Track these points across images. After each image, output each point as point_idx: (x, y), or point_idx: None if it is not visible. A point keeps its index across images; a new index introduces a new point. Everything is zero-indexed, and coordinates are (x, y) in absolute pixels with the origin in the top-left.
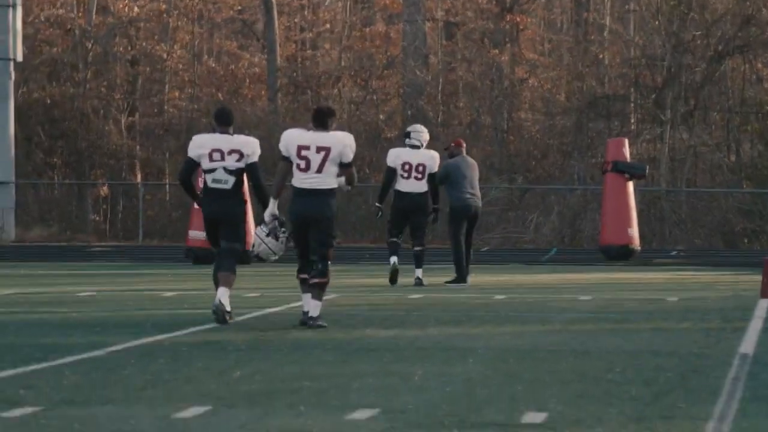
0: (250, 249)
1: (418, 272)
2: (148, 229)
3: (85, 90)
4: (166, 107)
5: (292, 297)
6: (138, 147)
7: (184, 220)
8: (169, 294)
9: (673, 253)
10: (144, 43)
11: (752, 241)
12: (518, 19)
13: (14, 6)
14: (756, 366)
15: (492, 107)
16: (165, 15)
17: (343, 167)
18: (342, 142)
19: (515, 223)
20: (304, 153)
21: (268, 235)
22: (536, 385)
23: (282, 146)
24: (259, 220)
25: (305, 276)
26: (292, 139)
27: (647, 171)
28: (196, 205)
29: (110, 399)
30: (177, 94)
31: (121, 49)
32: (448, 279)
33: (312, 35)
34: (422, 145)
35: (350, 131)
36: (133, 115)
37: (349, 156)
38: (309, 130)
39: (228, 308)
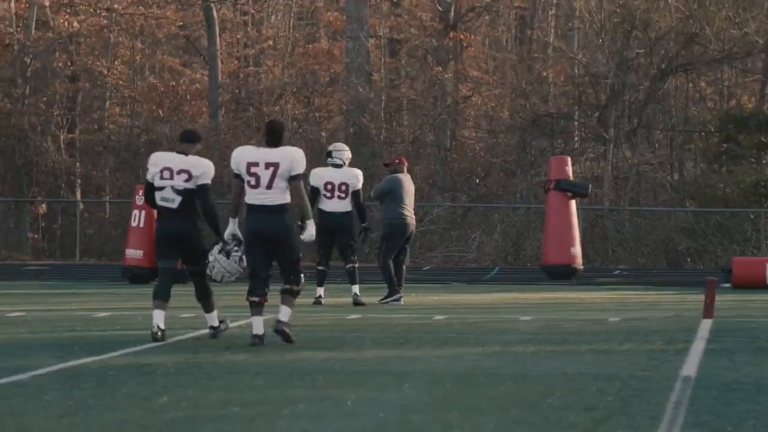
0: (209, 265)
1: (355, 288)
2: (87, 248)
3: (24, 106)
4: (106, 123)
5: (228, 317)
6: (78, 164)
7: (123, 238)
8: (101, 314)
9: (616, 272)
10: (84, 59)
11: (695, 260)
12: (462, 37)
13: None
14: (698, 390)
15: (435, 125)
16: (106, 30)
17: (292, 180)
18: (290, 157)
19: (458, 241)
20: (253, 170)
21: (219, 252)
22: (472, 411)
23: (233, 164)
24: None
25: (255, 298)
26: (241, 156)
27: (590, 189)
28: (134, 224)
29: (28, 428)
30: (117, 110)
31: (60, 64)
32: (382, 297)
33: (255, 52)
34: (344, 164)
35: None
36: (72, 132)
37: (297, 169)
38: (260, 146)
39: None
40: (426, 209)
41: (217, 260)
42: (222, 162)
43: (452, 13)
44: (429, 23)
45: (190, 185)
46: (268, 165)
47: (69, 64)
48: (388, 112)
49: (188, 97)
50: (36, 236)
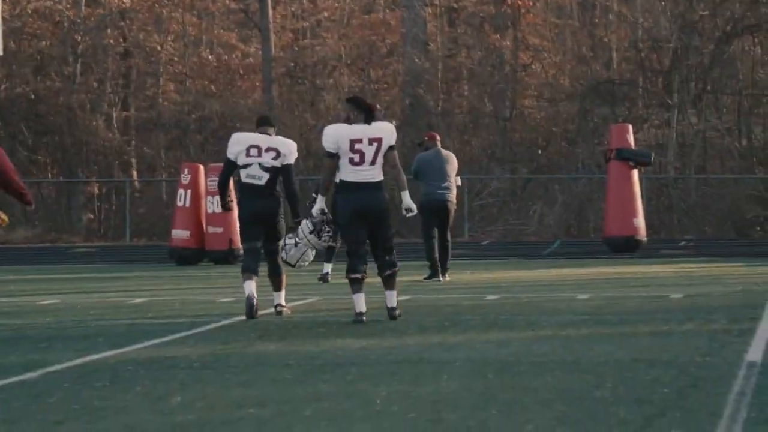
0: (286, 248)
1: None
2: (138, 228)
3: (75, 84)
4: (160, 100)
5: (267, 303)
6: (133, 142)
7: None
8: (137, 301)
9: (682, 243)
10: (137, 35)
11: (765, 229)
12: (519, 3)
13: None
14: (764, 377)
15: (493, 95)
16: (157, 5)
17: (389, 150)
18: (389, 130)
19: (518, 214)
20: (357, 146)
21: (311, 232)
22: (512, 407)
23: (330, 142)
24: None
25: (357, 275)
26: (342, 133)
27: (653, 158)
28: (180, 203)
29: None
30: (171, 86)
31: (111, 41)
32: (425, 276)
33: (310, 24)
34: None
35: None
36: (127, 110)
37: (392, 141)
38: (350, 122)
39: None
40: (484, 181)
41: (307, 239)
42: None
43: None
44: None
45: (277, 163)
46: (371, 141)
47: (121, 40)
48: (445, 83)
49: (241, 71)
50: (91, 217)
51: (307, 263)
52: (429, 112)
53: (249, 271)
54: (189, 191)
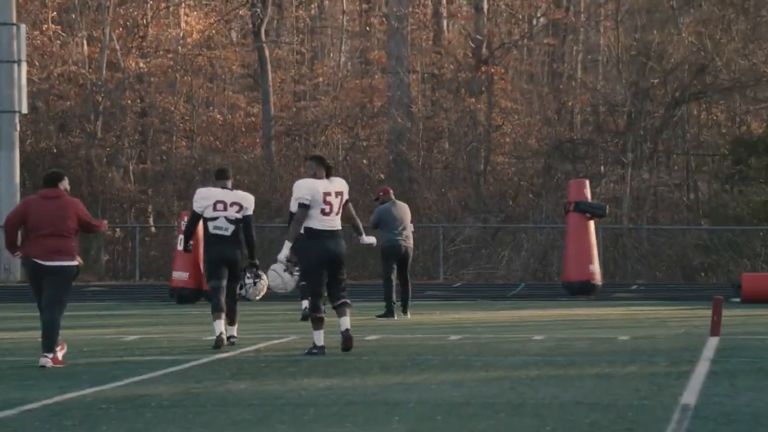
0: (245, 286)
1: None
2: (149, 269)
3: (95, 140)
4: (174, 155)
5: (246, 341)
6: (149, 191)
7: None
8: (130, 338)
9: (633, 287)
10: (154, 96)
11: (709, 274)
12: (492, 70)
13: (20, 63)
14: (696, 420)
15: (468, 152)
16: (170, 70)
17: (346, 204)
18: (346, 187)
19: (488, 259)
20: (328, 199)
21: (285, 270)
22: None
23: (306, 194)
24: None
25: (320, 315)
26: (316, 187)
27: (607, 210)
28: (180, 248)
29: None
30: (184, 143)
31: (129, 101)
32: (379, 314)
33: (306, 87)
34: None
35: (341, 175)
36: (144, 162)
37: (347, 195)
38: (318, 178)
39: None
40: (458, 230)
41: (280, 276)
42: (272, 190)
43: (483, 50)
44: (462, 59)
45: (239, 215)
46: (337, 194)
47: (138, 101)
48: (426, 141)
49: (243, 129)
50: (107, 258)
51: (260, 296)
52: (411, 167)
53: (219, 310)
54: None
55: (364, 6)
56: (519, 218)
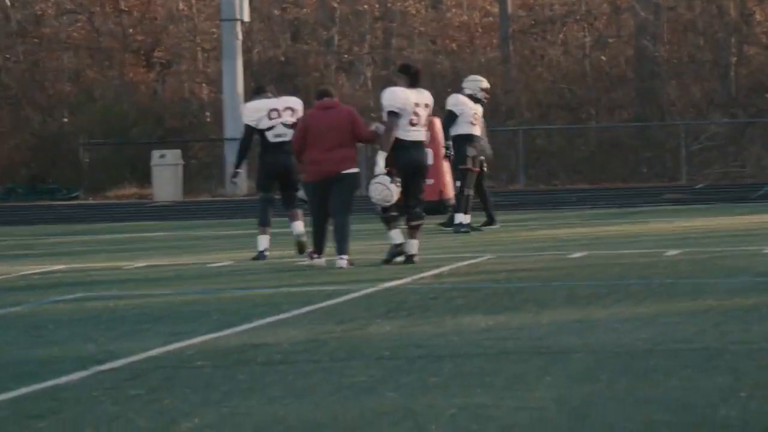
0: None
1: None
2: None
3: (331, 47)
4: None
5: (429, 263)
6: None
7: None
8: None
9: None
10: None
11: None
12: None
13: None
14: None
15: (714, 42)
16: None
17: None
18: (432, 99)
19: (735, 157)
20: (416, 109)
21: (391, 182)
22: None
23: (398, 104)
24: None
25: (393, 213)
26: (407, 97)
27: None
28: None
29: None
30: (422, 48)
31: (365, 6)
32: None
33: None
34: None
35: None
36: (386, 68)
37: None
38: (405, 86)
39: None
40: (703, 126)
41: (387, 188)
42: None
43: None
44: None
45: (293, 119)
46: (426, 105)
47: (377, 5)
48: (670, 33)
49: (480, 30)
50: None
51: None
52: (654, 61)
53: (266, 225)
54: None
55: None
56: None
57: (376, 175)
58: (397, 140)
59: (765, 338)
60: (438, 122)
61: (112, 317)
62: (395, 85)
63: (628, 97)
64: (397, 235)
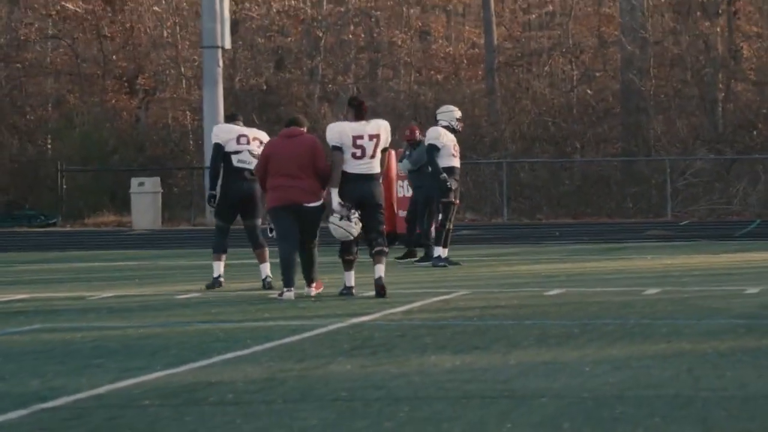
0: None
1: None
2: None
3: (314, 77)
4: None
5: (399, 299)
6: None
7: None
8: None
9: None
10: (377, 31)
11: None
12: None
13: None
14: None
15: (701, 78)
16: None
17: (382, 152)
18: (386, 129)
19: (721, 194)
20: (359, 142)
21: (341, 219)
22: None
23: (335, 138)
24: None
25: (350, 257)
26: (342, 130)
27: None
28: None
29: None
30: (410, 77)
31: (350, 36)
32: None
33: (534, 16)
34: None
35: (567, 106)
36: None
37: (388, 141)
38: (348, 120)
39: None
40: (689, 162)
41: (339, 226)
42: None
43: None
44: None
45: (259, 151)
46: (371, 137)
47: (362, 36)
48: (656, 68)
49: (465, 61)
50: None
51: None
52: (640, 95)
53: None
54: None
55: None
56: (759, 149)
57: (332, 214)
58: (344, 174)
59: (737, 385)
60: (393, 155)
61: (66, 351)
62: (350, 118)
63: (614, 131)
64: (349, 278)
